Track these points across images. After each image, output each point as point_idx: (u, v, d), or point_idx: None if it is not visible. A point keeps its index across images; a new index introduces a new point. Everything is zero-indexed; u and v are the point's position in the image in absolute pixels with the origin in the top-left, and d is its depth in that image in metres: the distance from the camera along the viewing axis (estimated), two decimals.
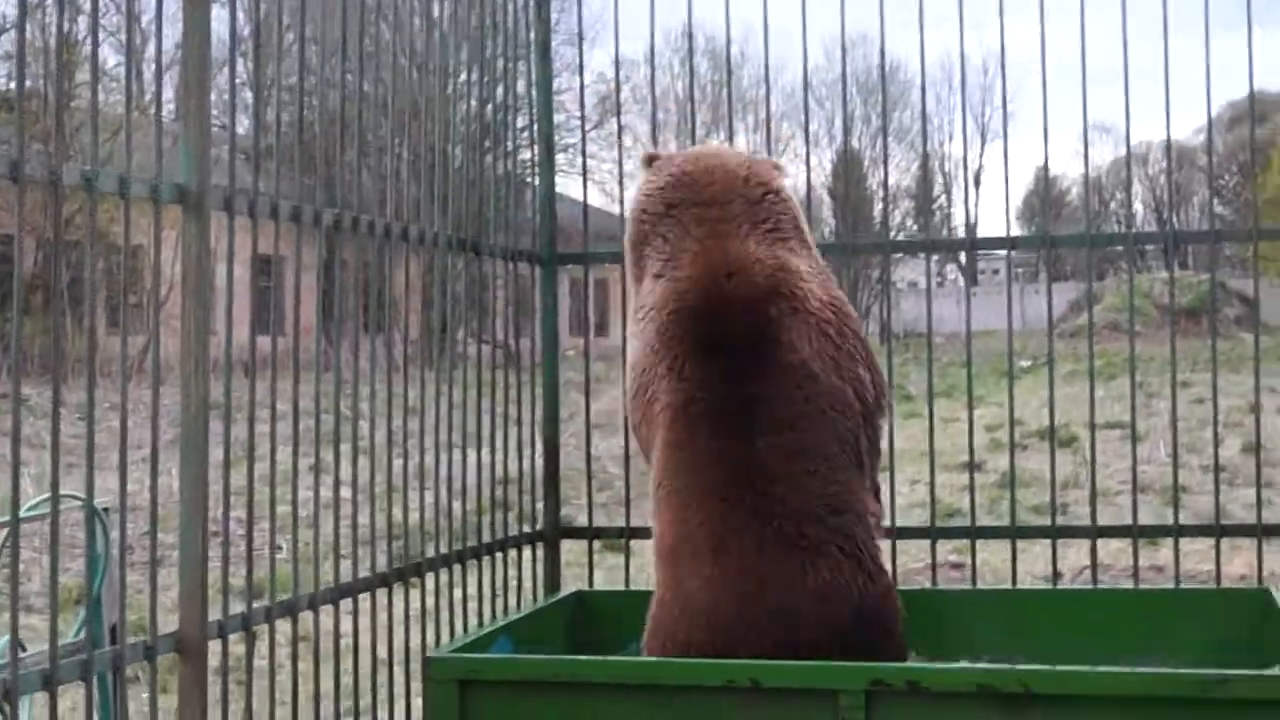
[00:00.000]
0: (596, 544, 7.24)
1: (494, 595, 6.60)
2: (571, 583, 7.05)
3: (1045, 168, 7.27)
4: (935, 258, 7.14)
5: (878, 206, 59.55)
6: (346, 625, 5.53)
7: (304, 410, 5.36)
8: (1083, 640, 5.35)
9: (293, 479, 5.31)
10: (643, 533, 7.11)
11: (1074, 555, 6.90)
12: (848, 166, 55.73)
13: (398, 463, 5.92)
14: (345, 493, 5.54)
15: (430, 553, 6.12)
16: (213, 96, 4.95)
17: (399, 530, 5.99)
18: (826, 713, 4.24)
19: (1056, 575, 6.47)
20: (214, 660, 4.75)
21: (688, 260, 5.18)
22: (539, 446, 7.07)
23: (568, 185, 42.43)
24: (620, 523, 7.17)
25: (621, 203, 7.58)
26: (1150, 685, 4.16)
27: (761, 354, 4.97)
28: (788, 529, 4.78)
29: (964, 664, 4.47)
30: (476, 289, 6.76)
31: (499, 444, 6.72)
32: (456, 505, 6.29)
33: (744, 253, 5.13)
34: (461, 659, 4.69)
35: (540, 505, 7.07)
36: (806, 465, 4.86)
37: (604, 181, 47.74)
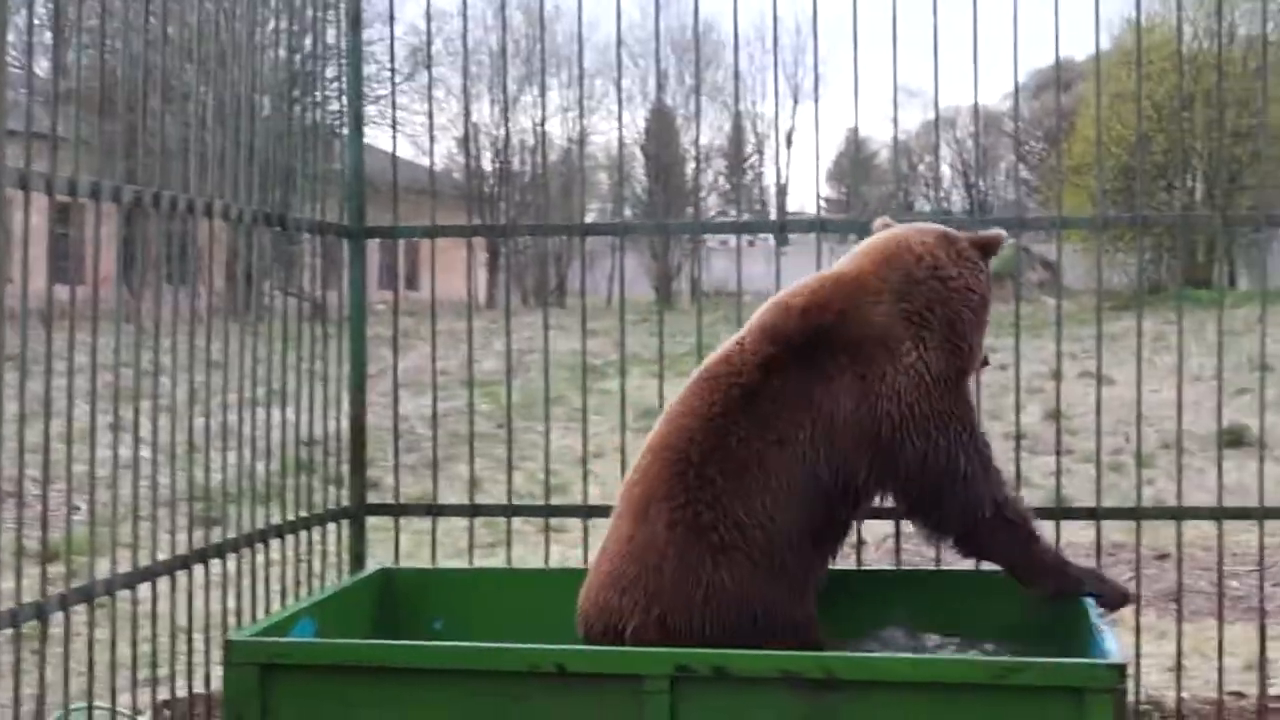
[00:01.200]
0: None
1: (298, 577, 6.49)
2: (379, 549, 6.99)
3: (855, 130, 7.33)
4: (746, 214, 7.14)
5: (689, 165, 59.71)
6: (145, 591, 5.44)
7: (103, 364, 5.24)
8: (887, 618, 5.41)
9: (90, 437, 5.18)
10: (450, 510, 7.08)
11: (879, 524, 6.94)
12: (660, 125, 55.85)
13: (199, 421, 5.82)
14: (145, 453, 5.44)
15: (232, 532, 6.02)
16: (10, 37, 4.79)
17: (200, 492, 5.89)
18: (632, 698, 4.24)
19: (860, 543, 6.52)
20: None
21: None
22: (345, 407, 6.97)
23: (378, 137, 42.08)
24: (428, 484, 7.11)
25: (431, 155, 7.52)
26: (947, 672, 4.25)
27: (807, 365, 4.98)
28: (704, 520, 4.79)
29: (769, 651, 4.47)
30: (284, 258, 6.67)
31: (304, 402, 6.62)
32: (260, 467, 6.20)
33: None
34: (262, 643, 4.60)
35: (346, 479, 6.96)
36: (760, 476, 4.85)
37: (416, 135, 47.50)
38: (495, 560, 6.89)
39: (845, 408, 4.86)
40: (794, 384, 4.89)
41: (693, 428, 4.91)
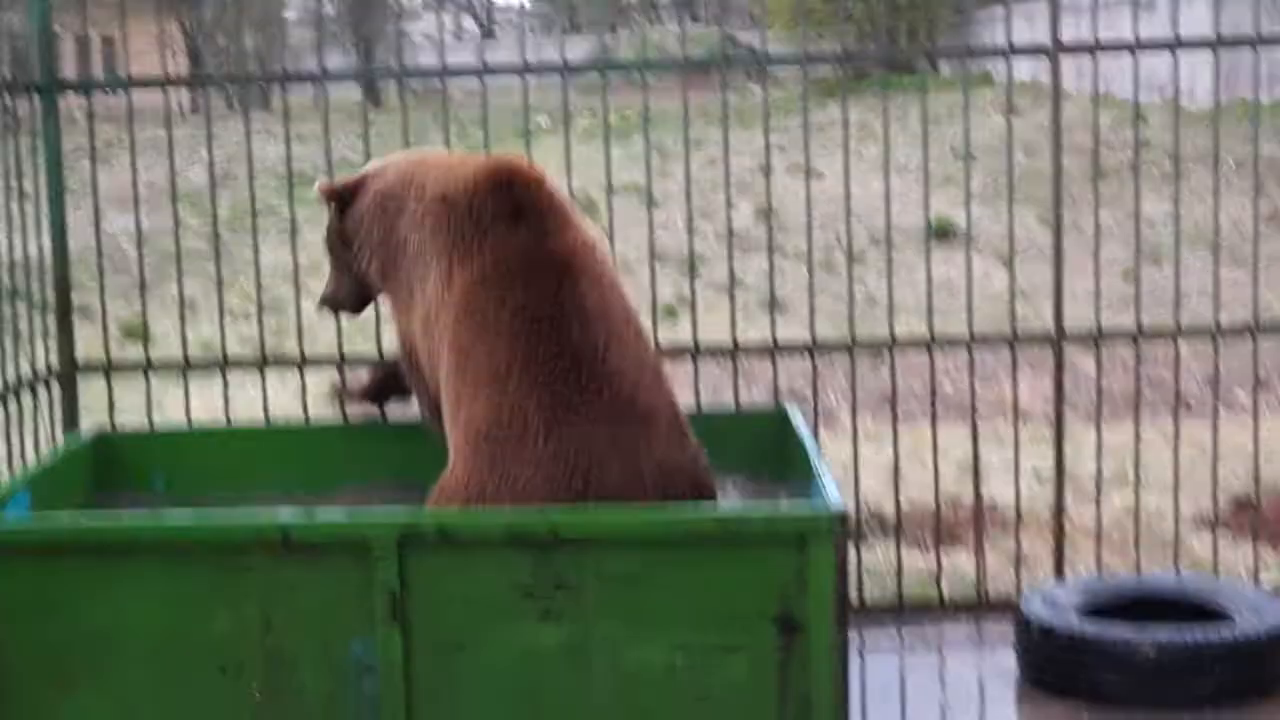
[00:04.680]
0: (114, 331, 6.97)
1: (8, 443, 6.30)
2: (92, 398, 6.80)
3: None
4: (449, 7, 7.01)
5: None
6: None
7: None
8: None
9: None
10: (163, 367, 6.89)
11: None
12: None
13: None
14: None
15: None
16: None
17: None
18: (360, 564, 4.24)
19: None
20: None
21: None
22: (45, 225, 6.71)
23: None
24: (139, 307, 6.92)
25: None
26: (671, 527, 4.29)
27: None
28: (621, 398, 4.59)
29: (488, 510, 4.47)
30: None
31: (2, 220, 6.39)
32: None
33: None
34: None
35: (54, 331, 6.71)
36: (619, 328, 4.72)
37: None
38: (214, 401, 6.68)
39: None
40: None
41: None
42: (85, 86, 6.88)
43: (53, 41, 6.73)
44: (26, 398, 6.38)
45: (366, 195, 5.24)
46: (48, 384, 6.58)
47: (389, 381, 5.60)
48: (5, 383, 6.21)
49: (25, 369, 6.39)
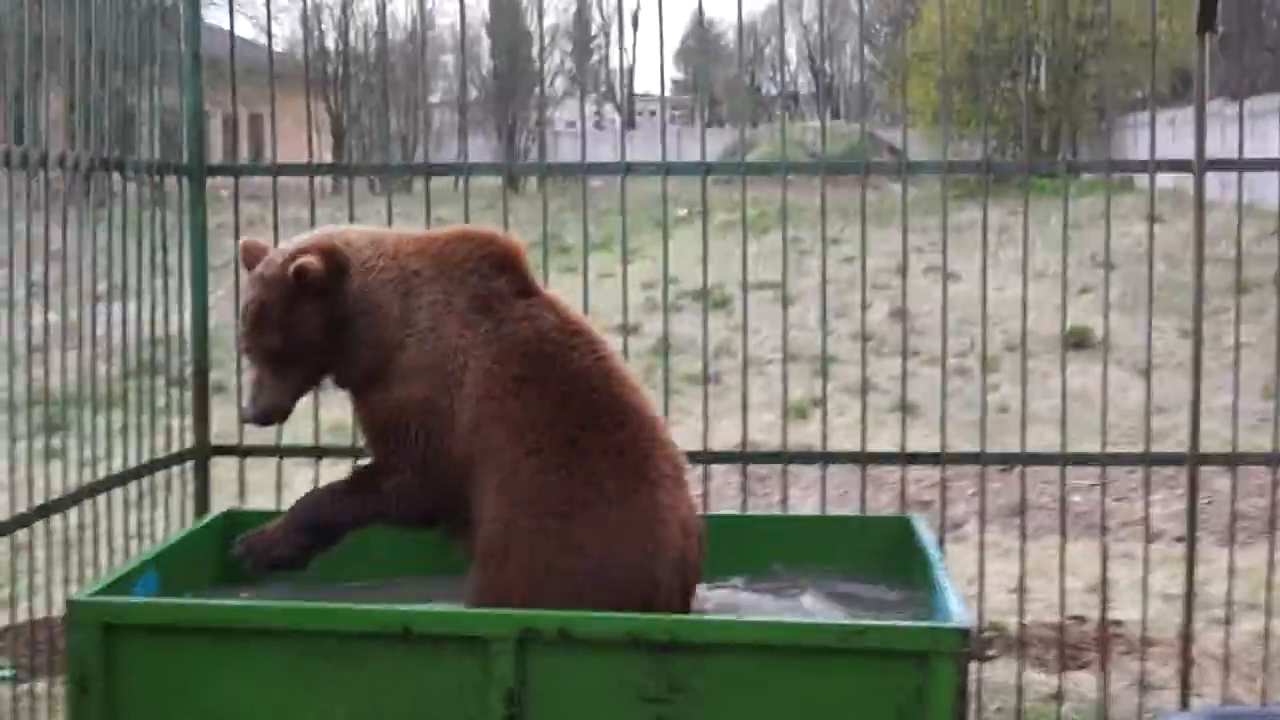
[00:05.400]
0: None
1: (140, 520, 6.36)
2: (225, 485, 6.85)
3: (701, 11, 7.27)
4: (592, 95, 7.06)
5: (534, 47, 59.30)
6: None
7: None
8: (728, 562, 5.42)
9: None
10: (296, 451, 6.94)
11: (725, 429, 6.98)
12: (504, 6, 55.29)
13: (39, 318, 5.68)
14: None
15: (73, 439, 5.86)
16: None
17: (40, 397, 5.75)
18: (478, 659, 4.24)
19: (707, 449, 6.54)
20: None
21: None
22: (188, 300, 6.81)
23: (218, 16, 41.33)
24: None
25: (270, 34, 7.36)
26: (789, 634, 4.26)
27: None
28: (669, 456, 4.73)
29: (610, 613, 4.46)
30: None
31: (146, 295, 6.48)
32: (103, 368, 6.06)
33: None
34: (103, 603, 4.51)
35: (190, 420, 6.80)
36: (635, 384, 4.80)
37: (257, 16, 46.69)
38: None
39: None
40: None
41: None
42: (233, 171, 7.00)
43: (203, 125, 6.85)
44: (160, 475, 6.44)
45: (355, 277, 4.72)
46: (182, 461, 6.63)
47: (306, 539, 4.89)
48: (140, 460, 6.27)
49: (160, 444, 6.45)
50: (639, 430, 4.68)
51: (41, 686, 5.99)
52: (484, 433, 4.64)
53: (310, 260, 4.62)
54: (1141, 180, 12.56)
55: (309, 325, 4.66)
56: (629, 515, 4.56)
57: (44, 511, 5.63)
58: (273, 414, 4.76)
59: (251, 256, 4.83)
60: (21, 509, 5.50)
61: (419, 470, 4.72)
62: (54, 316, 5.41)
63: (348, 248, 4.73)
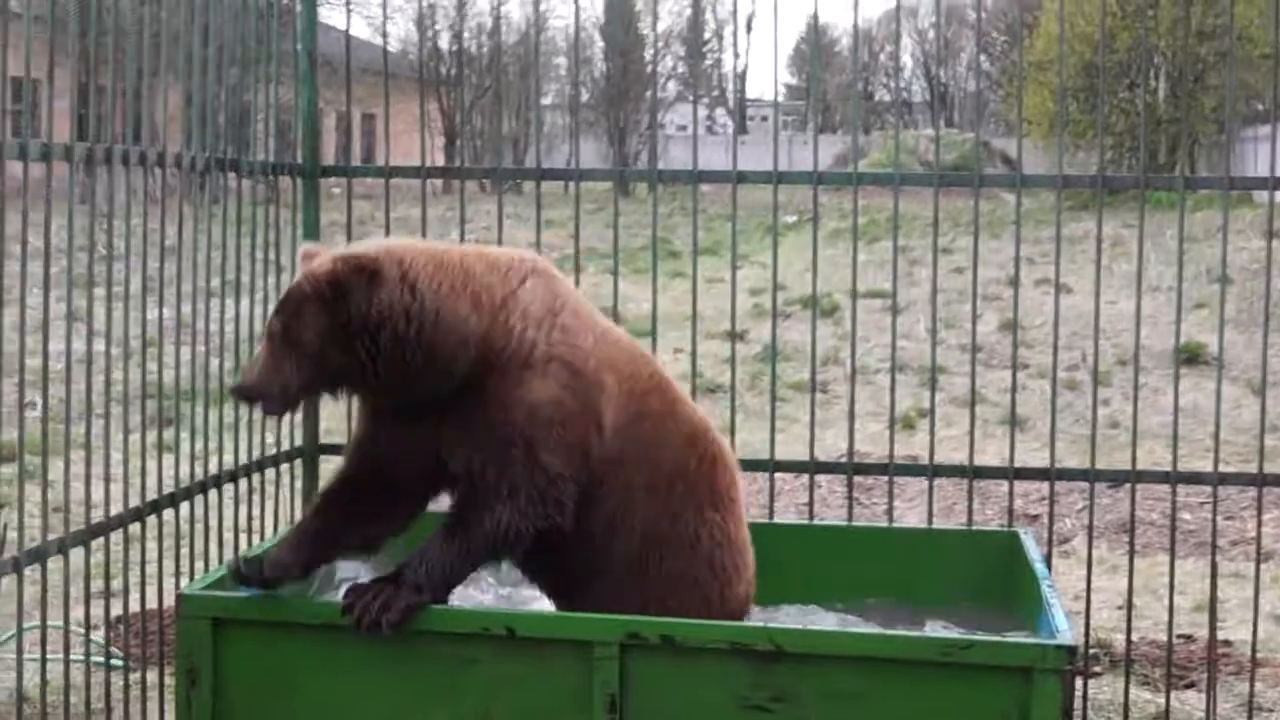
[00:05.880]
0: None
1: (249, 521, 6.41)
2: None
3: (816, 16, 7.22)
4: (705, 99, 7.02)
5: (648, 50, 59.39)
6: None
7: (56, 249, 5.15)
8: (835, 576, 5.41)
9: (43, 328, 5.09)
10: None
11: (831, 438, 6.97)
12: (619, 8, 55.40)
13: (154, 313, 5.73)
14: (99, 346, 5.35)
15: (186, 475, 5.91)
16: None
17: (154, 390, 5.81)
18: (581, 664, 4.27)
19: (814, 459, 6.52)
20: None
21: None
22: None
23: (332, 16, 41.74)
24: None
25: (384, 35, 7.41)
26: (894, 647, 4.25)
27: None
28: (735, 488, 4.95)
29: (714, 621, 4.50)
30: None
31: (258, 292, 6.53)
32: (215, 362, 6.11)
33: None
34: (213, 597, 4.57)
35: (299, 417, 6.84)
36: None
37: (372, 17, 47.05)
38: None
39: None
40: None
41: None
42: (346, 172, 7.04)
43: (318, 126, 6.90)
44: (269, 470, 6.49)
45: (402, 283, 4.47)
46: (291, 459, 6.68)
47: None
48: (250, 455, 6.32)
49: (269, 440, 6.50)
50: (724, 454, 4.91)
51: (152, 677, 6.04)
52: (626, 438, 4.69)
53: (339, 269, 4.44)
54: (1260, 194, 12.42)
55: (320, 326, 4.44)
56: (742, 534, 4.81)
57: (156, 505, 5.68)
58: (251, 392, 4.49)
59: (309, 261, 4.68)
60: (134, 502, 5.54)
61: (557, 478, 4.55)
62: (168, 312, 5.44)
63: (392, 261, 4.50)
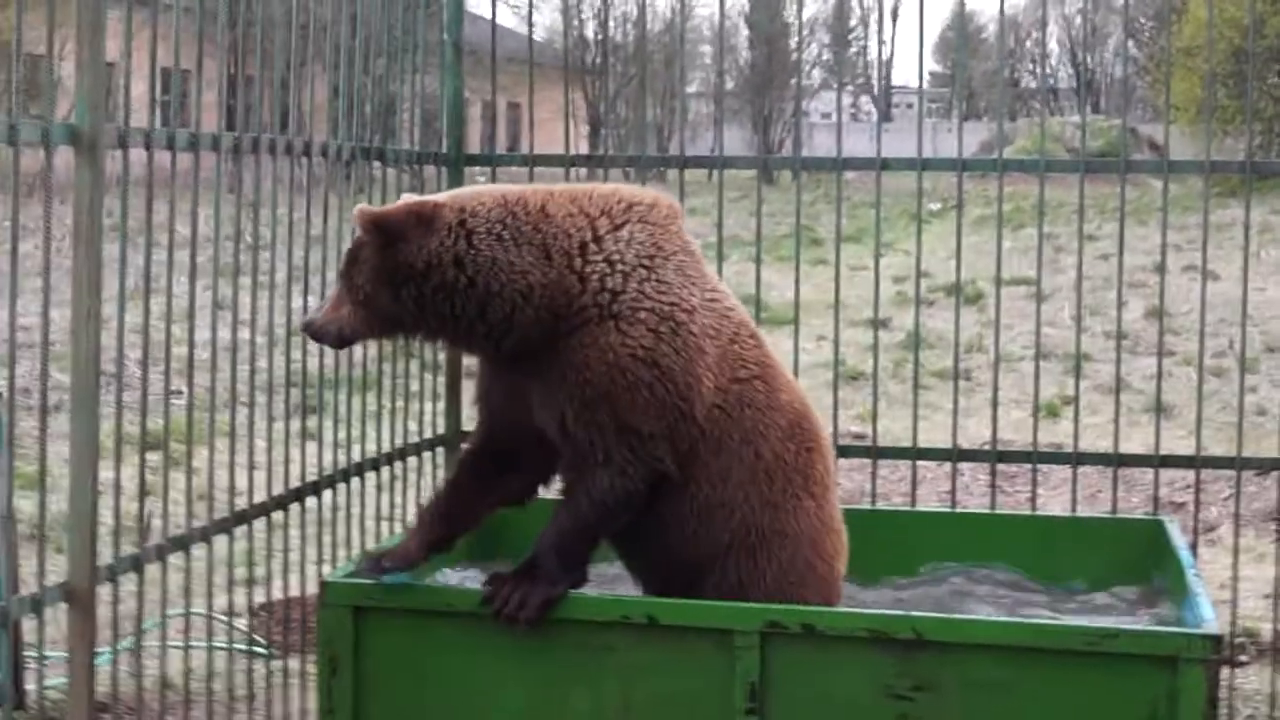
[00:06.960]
0: None
1: (391, 509, 6.46)
2: None
3: (962, 3, 7.16)
4: (850, 87, 6.99)
5: (793, 38, 59.21)
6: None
7: (203, 238, 5.22)
8: (979, 559, 5.37)
9: (190, 317, 5.17)
10: None
11: (974, 426, 6.90)
12: None
13: (299, 301, 5.79)
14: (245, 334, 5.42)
15: (329, 463, 5.97)
16: None
17: (298, 378, 5.86)
18: (722, 652, 4.26)
19: (957, 446, 6.47)
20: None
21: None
22: None
23: (478, 5, 41.94)
24: None
25: (530, 24, 7.46)
26: (1039, 636, 4.22)
27: None
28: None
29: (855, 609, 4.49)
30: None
31: None
32: (359, 352, 6.17)
33: None
34: (355, 585, 4.61)
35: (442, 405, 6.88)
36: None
37: (518, 6, 47.27)
38: None
39: None
40: None
41: None
42: (490, 161, 7.10)
43: (463, 115, 6.95)
44: (411, 459, 6.54)
45: (459, 230, 4.39)
46: (433, 447, 6.73)
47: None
48: (392, 444, 6.37)
49: (412, 429, 6.55)
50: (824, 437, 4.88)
51: (294, 664, 6.12)
52: (726, 426, 4.58)
53: (394, 212, 4.42)
54: None
55: (371, 270, 4.39)
56: (837, 517, 4.82)
57: (299, 493, 5.75)
58: (317, 331, 4.55)
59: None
60: (278, 490, 5.61)
61: (649, 439, 4.43)
62: (313, 300, 5.49)
63: (454, 207, 4.43)
